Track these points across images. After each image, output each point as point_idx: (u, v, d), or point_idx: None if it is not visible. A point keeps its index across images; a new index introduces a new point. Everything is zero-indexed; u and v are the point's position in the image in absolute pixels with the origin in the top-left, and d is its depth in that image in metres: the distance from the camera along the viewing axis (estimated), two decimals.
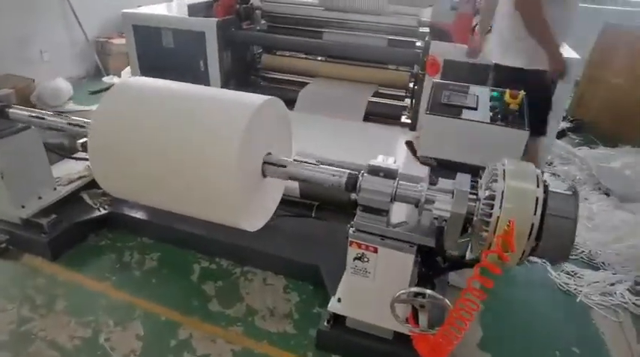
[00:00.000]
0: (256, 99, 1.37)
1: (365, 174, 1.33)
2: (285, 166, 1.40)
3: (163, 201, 1.41)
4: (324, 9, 3.22)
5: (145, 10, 3.42)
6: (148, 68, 3.41)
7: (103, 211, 2.14)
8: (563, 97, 2.54)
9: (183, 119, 1.33)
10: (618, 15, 4.63)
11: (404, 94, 3.24)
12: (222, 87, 3.24)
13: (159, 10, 3.46)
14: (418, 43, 3.10)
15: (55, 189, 2.10)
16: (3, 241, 1.96)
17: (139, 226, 2.15)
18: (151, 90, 1.48)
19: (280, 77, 3.54)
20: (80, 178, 2.22)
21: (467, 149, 1.48)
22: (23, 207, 1.95)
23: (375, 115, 3.07)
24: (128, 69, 4.12)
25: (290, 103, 3.23)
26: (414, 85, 3.14)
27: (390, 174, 1.34)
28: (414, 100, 3.14)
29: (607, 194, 2.85)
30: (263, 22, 3.56)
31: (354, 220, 1.34)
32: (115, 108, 1.42)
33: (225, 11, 3.20)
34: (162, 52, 3.29)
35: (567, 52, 2.68)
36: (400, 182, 1.31)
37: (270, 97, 1.43)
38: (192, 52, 3.21)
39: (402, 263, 1.32)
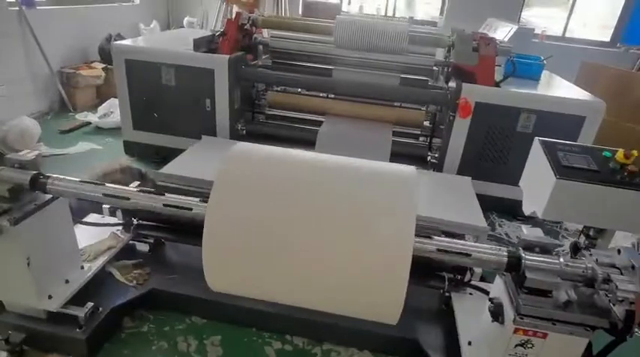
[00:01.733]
0: (405, 167, 1.20)
1: (523, 251, 1.21)
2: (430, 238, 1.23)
3: (298, 295, 1.17)
4: (335, 46, 3.10)
5: (137, 43, 3.07)
6: (140, 106, 3.05)
7: (140, 289, 1.79)
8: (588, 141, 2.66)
9: (330, 198, 1.11)
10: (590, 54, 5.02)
11: (419, 132, 3.21)
12: (230, 127, 2.98)
13: (147, 42, 3.12)
14: (438, 83, 3.10)
15: (82, 267, 1.72)
16: (18, 342, 1.54)
17: (187, 303, 1.82)
18: (274, 161, 1.24)
19: (285, 115, 3.34)
20: (109, 248, 1.84)
21: (596, 213, 1.42)
22: (50, 297, 1.55)
23: (398, 155, 2.98)
24: (106, 105, 3.69)
25: (299, 142, 3.10)
26: (432, 124, 3.12)
27: (545, 249, 1.23)
28: (431, 139, 3.13)
29: None
30: (265, 57, 3.37)
31: (520, 304, 1.20)
32: (238, 184, 1.16)
33: (232, 47, 2.96)
34: (160, 90, 2.96)
35: (584, 94, 2.83)
36: (562, 259, 1.21)
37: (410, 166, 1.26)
38: (197, 90, 2.92)
39: (573, 348, 1.20)
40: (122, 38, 4.20)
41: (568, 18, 5.43)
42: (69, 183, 1.41)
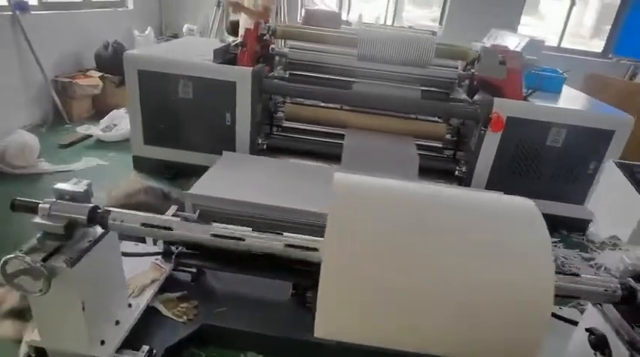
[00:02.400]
0: (520, 199, 1.13)
1: (634, 281, 1.16)
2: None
3: (429, 341, 1.06)
4: (357, 59, 3.02)
5: (150, 52, 2.89)
6: (153, 120, 2.87)
7: (191, 325, 1.64)
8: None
9: (460, 236, 1.02)
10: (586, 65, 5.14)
11: (441, 145, 3.18)
12: (251, 141, 2.85)
13: (161, 52, 2.95)
14: (458, 96, 3.07)
15: (130, 305, 1.56)
16: None
17: (241, 339, 1.68)
18: (388, 195, 1.14)
19: (304, 128, 3.23)
20: (153, 281, 1.68)
21: None
22: (103, 343, 1.39)
23: (423, 169, 2.91)
24: (109, 117, 3.48)
25: (321, 157, 3.01)
26: (456, 138, 3.09)
27: None
28: (455, 153, 3.10)
29: None
30: (280, 68, 3.25)
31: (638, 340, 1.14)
32: (357, 222, 1.06)
33: (251, 59, 2.84)
34: (176, 103, 2.80)
35: (610, 108, 2.86)
36: None
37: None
38: (217, 104, 2.78)
39: None
40: (120, 45, 3.99)
41: (563, 29, 5.57)
42: (133, 218, 1.27)
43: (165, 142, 2.94)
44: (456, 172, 2.88)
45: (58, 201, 1.26)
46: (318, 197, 2.34)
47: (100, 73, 3.96)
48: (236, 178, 2.43)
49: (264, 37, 2.93)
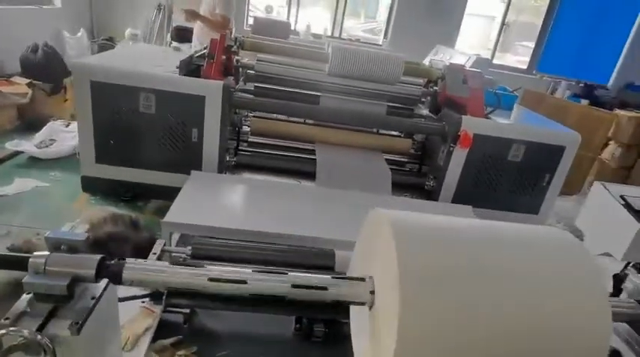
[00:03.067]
0: (565, 235, 1.15)
1: None
2: None
3: None
4: (327, 74, 2.98)
5: (104, 61, 2.59)
6: (108, 136, 2.59)
7: None
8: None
9: (515, 282, 1.02)
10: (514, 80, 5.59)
11: (406, 160, 3.25)
12: (219, 160, 2.68)
13: (118, 61, 2.67)
14: (423, 112, 3.16)
15: None
16: None
17: None
18: (452, 238, 1.09)
19: (270, 143, 3.12)
20: (147, 329, 1.49)
21: None
22: None
23: (396, 184, 2.95)
24: (45, 131, 3.07)
25: (292, 173, 2.93)
26: (420, 152, 3.18)
27: None
28: (421, 167, 3.19)
29: None
30: (242, 80, 3.10)
31: None
32: (427, 272, 1.00)
33: (219, 71, 2.67)
34: (135, 118, 2.54)
35: (564, 128, 3.12)
36: None
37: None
38: (183, 119, 2.58)
39: None
40: (52, 49, 3.55)
41: (495, 46, 6.04)
42: (154, 268, 1.10)
43: (122, 161, 2.65)
44: (426, 187, 2.96)
45: (55, 254, 1.06)
46: (304, 219, 2.26)
47: (28, 80, 3.48)
48: (213, 202, 2.26)
49: (233, 49, 2.77)
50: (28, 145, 2.97)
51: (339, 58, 2.82)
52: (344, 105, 3.06)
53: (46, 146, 3.04)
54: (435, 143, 3.07)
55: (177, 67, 2.69)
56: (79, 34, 4.25)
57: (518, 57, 7.48)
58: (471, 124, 2.74)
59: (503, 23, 5.96)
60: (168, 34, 4.79)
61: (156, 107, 2.52)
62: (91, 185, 2.71)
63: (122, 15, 4.92)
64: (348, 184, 2.76)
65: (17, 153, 2.98)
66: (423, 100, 3.25)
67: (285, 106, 2.88)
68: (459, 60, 4.30)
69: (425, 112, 3.20)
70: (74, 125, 3.32)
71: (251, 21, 5.53)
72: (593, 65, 5.84)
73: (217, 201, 2.27)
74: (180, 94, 2.51)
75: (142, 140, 2.61)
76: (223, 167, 2.74)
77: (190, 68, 2.76)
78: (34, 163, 2.98)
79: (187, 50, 3.42)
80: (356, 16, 7.41)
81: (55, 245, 1.09)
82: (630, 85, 6.06)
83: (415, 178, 3.04)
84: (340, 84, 3.06)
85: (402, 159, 3.25)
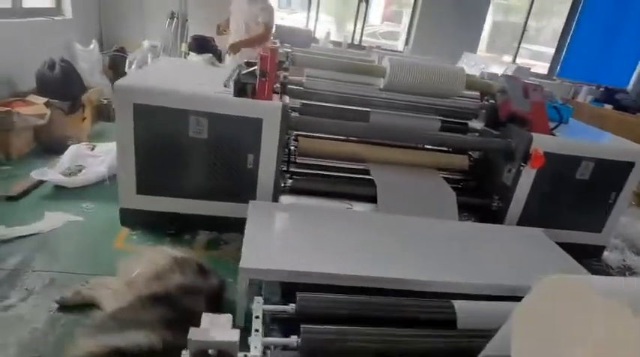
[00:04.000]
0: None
1: None
2: None
3: None
4: (377, 88, 2.77)
5: (148, 82, 2.32)
6: (152, 164, 2.33)
7: None
8: None
9: None
10: None
11: (461, 177, 3.06)
12: (274, 185, 2.44)
13: (161, 80, 2.41)
14: (477, 127, 2.98)
15: None
16: None
17: None
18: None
19: (320, 163, 2.89)
20: None
21: None
22: None
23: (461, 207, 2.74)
24: (70, 155, 2.79)
25: (349, 197, 2.71)
26: (476, 169, 3.00)
27: None
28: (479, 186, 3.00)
29: None
30: (287, 98, 2.86)
31: None
32: None
33: (271, 90, 2.43)
34: (184, 144, 2.29)
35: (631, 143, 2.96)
36: None
37: None
38: (238, 144, 2.33)
39: None
40: (69, 64, 3.26)
41: (516, 52, 5.92)
42: None
43: (167, 191, 2.40)
44: (493, 207, 2.76)
45: None
46: (396, 256, 2.02)
47: (44, 99, 3.18)
48: (287, 238, 2.03)
49: (284, 66, 2.54)
50: (53, 174, 2.67)
51: (397, 72, 2.61)
52: (396, 121, 2.87)
53: (73, 173, 2.75)
54: (494, 160, 2.89)
55: (225, 86, 2.46)
56: (92, 46, 3.95)
57: (522, 59, 7.40)
58: (540, 142, 2.57)
59: (524, 28, 5.85)
60: (183, 44, 4.52)
61: (208, 132, 2.27)
62: (130, 218, 2.44)
63: (133, 24, 4.62)
64: (411, 209, 2.55)
65: (41, 182, 2.68)
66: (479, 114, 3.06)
67: (342, 125, 2.67)
68: (495, 69, 4.15)
69: (479, 126, 3.01)
70: (100, 148, 3.05)
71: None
72: (612, 69, 5.79)
73: (291, 237, 2.04)
74: (235, 118, 2.27)
75: (189, 168, 2.36)
76: (278, 193, 2.51)
77: (239, 87, 2.51)
78: (61, 192, 2.68)
79: (223, 65, 3.17)
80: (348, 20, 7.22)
81: (201, 348, 0.85)
82: None
83: (478, 200, 2.84)
84: (391, 99, 2.86)
85: (457, 177, 3.06)
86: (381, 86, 2.71)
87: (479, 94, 3.01)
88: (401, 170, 2.83)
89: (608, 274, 2.89)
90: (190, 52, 4.27)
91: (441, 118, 2.96)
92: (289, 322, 1.47)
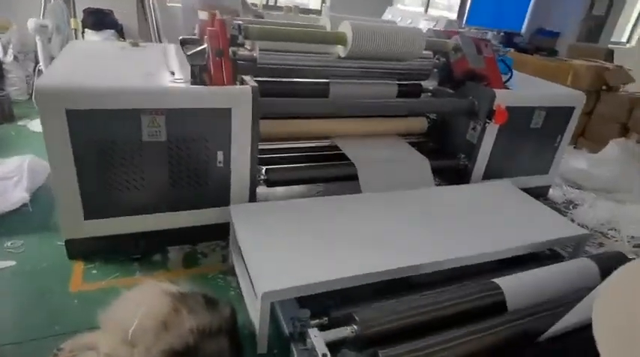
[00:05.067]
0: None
1: None
2: None
3: None
4: (345, 57, 2.54)
5: (79, 80, 1.79)
6: (100, 181, 1.88)
7: None
8: None
9: None
10: None
11: (424, 140, 3.04)
12: (251, 181, 2.16)
13: (96, 74, 1.89)
14: (429, 87, 2.94)
15: None
16: None
17: None
18: None
19: (283, 146, 2.65)
20: None
21: None
22: None
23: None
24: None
25: (324, 180, 2.56)
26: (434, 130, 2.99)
27: None
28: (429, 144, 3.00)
29: None
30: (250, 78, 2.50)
31: None
32: None
33: (230, 71, 2.08)
34: (138, 150, 1.88)
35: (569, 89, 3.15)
36: None
37: None
38: (205, 141, 1.98)
39: None
40: None
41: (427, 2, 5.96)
42: None
43: (124, 209, 1.97)
44: (460, 167, 2.80)
45: None
46: (403, 241, 1.91)
47: None
48: (293, 245, 1.78)
49: (238, 41, 2.16)
50: None
51: (361, 37, 2.40)
52: (356, 90, 2.71)
53: None
54: (454, 120, 2.91)
55: (171, 73, 2.04)
56: None
57: (436, 10, 7.51)
58: (501, 97, 2.61)
59: None
60: (73, 20, 3.69)
61: (167, 132, 1.87)
62: (81, 250, 1.98)
63: None
64: (391, 183, 2.47)
65: None
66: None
67: (310, 104, 2.43)
68: (426, 23, 4.13)
69: (432, 86, 2.98)
70: (6, 165, 2.40)
71: None
72: (508, 14, 6.20)
73: (293, 243, 1.80)
74: (199, 111, 1.90)
75: (149, 177, 1.95)
76: (254, 190, 2.22)
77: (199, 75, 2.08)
78: None
79: (144, 44, 2.63)
80: None
81: None
82: (540, 31, 6.62)
83: (445, 161, 2.84)
84: (350, 67, 2.67)
85: (418, 140, 3.03)
86: (342, 54, 2.48)
87: (431, 53, 2.95)
88: (370, 143, 2.71)
89: (556, 209, 3.16)
90: (86, 30, 3.51)
91: (398, 82, 2.87)
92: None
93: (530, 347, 1.30)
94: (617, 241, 2.81)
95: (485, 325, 1.35)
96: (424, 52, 2.89)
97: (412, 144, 2.95)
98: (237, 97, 1.95)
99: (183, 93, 1.85)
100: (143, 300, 1.52)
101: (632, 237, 2.85)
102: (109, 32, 3.49)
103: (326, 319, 1.49)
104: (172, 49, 2.60)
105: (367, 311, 1.35)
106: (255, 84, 2.03)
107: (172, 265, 2.07)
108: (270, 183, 2.32)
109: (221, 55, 2.02)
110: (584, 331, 1.17)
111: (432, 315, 1.37)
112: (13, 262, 1.93)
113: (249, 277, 1.67)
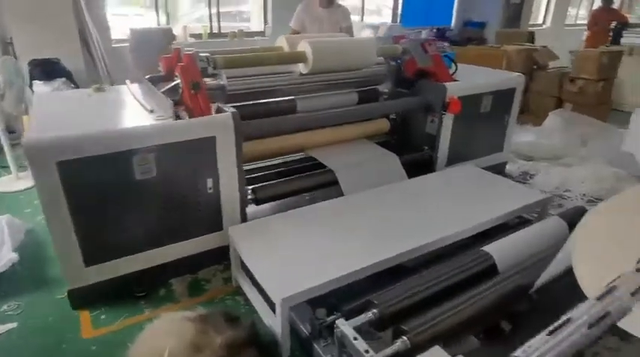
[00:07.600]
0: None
1: None
2: None
3: None
4: (307, 73, 2.70)
5: (65, 131, 1.82)
6: (97, 226, 1.93)
7: None
8: None
9: None
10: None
11: (389, 139, 3.25)
12: (241, 203, 2.26)
13: (82, 124, 1.93)
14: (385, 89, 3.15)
15: None
16: None
17: None
18: None
19: (265, 165, 2.77)
20: None
21: None
22: None
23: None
24: None
25: (307, 190, 2.69)
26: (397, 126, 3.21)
27: None
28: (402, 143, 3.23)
29: None
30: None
31: None
32: None
33: (206, 101, 2.18)
34: (132, 190, 1.94)
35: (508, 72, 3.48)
36: None
37: None
38: (194, 171, 2.07)
39: None
40: None
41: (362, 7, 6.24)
42: None
43: (123, 250, 2.00)
44: (425, 157, 3.03)
45: None
46: (396, 230, 2.09)
47: None
48: (297, 251, 1.90)
49: (209, 72, 2.26)
50: None
51: (320, 53, 2.57)
52: (321, 102, 2.87)
53: None
54: (412, 116, 3.14)
55: (150, 111, 2.11)
56: None
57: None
58: (452, 90, 2.87)
59: None
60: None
61: (157, 168, 1.94)
62: (85, 298, 1.99)
63: None
64: (369, 183, 2.64)
65: None
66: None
67: (283, 121, 2.56)
68: (369, 32, 4.38)
69: (388, 88, 3.20)
70: None
71: (119, 34, 4.60)
72: (438, 11, 6.66)
73: (296, 248, 1.92)
74: (185, 144, 1.98)
75: (144, 215, 2.00)
76: (245, 210, 2.32)
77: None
78: None
79: (110, 89, 2.67)
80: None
81: None
82: (468, 22, 7.16)
83: (412, 155, 3.05)
84: (313, 81, 2.84)
85: (383, 140, 3.24)
86: (304, 71, 2.65)
87: (383, 59, 3.18)
88: (342, 149, 2.88)
89: (516, 181, 3.47)
90: (34, 82, 3.46)
91: (357, 89, 3.06)
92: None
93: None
94: (572, 200, 3.15)
95: (483, 287, 1.53)
96: (377, 58, 3.15)
97: (380, 144, 3.16)
98: (220, 124, 2.06)
99: (169, 128, 1.94)
100: (167, 329, 1.58)
101: (584, 194, 3.19)
102: (60, 81, 3.45)
103: (339, 314, 1.62)
104: (138, 89, 2.65)
105: (382, 295, 1.49)
106: (234, 110, 2.14)
107: (179, 296, 2.12)
108: (258, 201, 2.43)
109: (198, 88, 2.12)
110: (566, 276, 1.39)
111: (440, 286, 1.54)
112: (14, 324, 1.90)
113: (262, 289, 1.77)
